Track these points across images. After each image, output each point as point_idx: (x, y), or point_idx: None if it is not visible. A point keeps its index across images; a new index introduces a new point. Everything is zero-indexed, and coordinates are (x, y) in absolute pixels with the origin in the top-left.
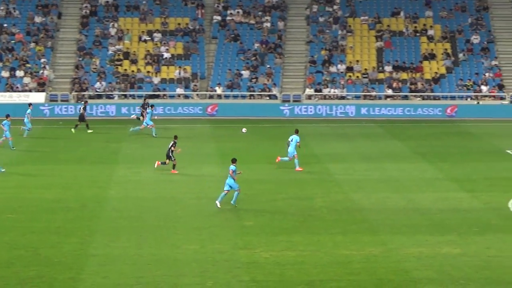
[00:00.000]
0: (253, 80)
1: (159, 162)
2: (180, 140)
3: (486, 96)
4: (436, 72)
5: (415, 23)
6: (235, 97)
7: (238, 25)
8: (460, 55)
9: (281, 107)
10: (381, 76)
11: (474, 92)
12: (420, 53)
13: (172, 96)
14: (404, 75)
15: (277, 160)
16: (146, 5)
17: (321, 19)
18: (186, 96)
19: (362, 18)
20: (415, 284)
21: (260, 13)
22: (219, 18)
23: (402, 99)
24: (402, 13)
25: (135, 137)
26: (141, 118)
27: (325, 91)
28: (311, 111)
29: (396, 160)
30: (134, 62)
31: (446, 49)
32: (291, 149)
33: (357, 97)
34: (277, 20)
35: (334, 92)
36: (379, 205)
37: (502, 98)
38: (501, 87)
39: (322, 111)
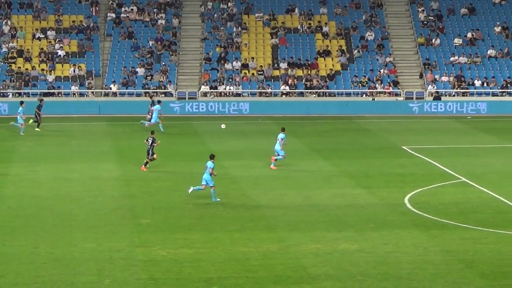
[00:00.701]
0: (148, 77)
1: (144, 167)
2: (75, 138)
3: (381, 92)
4: (331, 69)
5: (310, 20)
6: (130, 94)
7: (133, 23)
8: (355, 51)
9: (172, 105)
10: (276, 73)
11: (369, 89)
12: (315, 50)
13: (67, 94)
14: (299, 72)
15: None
16: (39, 3)
17: (216, 16)
18: (81, 94)
19: (256, 15)
20: (313, 280)
21: (154, 10)
22: (113, 15)
23: (297, 96)
24: (296, 10)
25: (29, 136)
26: (147, 116)
27: (221, 88)
28: (202, 109)
29: (293, 157)
30: (28, 60)
31: (341, 46)
32: (277, 146)
33: (253, 94)
34: (172, 17)
35: (230, 89)
36: (276, 202)
37: (397, 95)
38: (396, 83)
39: (215, 108)
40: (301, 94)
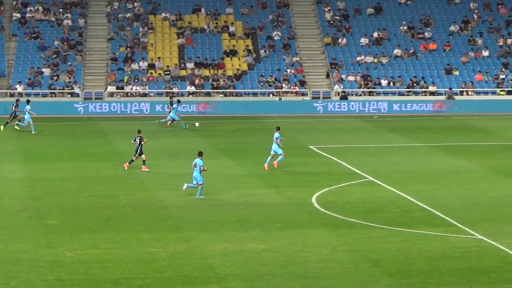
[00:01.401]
0: (54, 78)
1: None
2: None
3: (288, 92)
4: (238, 69)
5: (216, 20)
6: (36, 95)
7: (38, 22)
8: (262, 51)
9: (75, 105)
10: (183, 73)
11: (276, 89)
12: (222, 50)
13: None
14: (206, 72)
15: (275, 166)
16: None
17: (122, 16)
18: None
19: (163, 15)
20: (221, 280)
21: (60, 10)
22: (18, 15)
23: (204, 95)
24: (203, 10)
25: None
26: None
27: (127, 89)
28: (105, 109)
29: None
30: None
31: (247, 46)
32: (274, 146)
33: (160, 94)
34: (78, 17)
35: (136, 89)
36: (184, 202)
37: (303, 94)
38: (302, 83)
39: (117, 109)
40: (208, 94)
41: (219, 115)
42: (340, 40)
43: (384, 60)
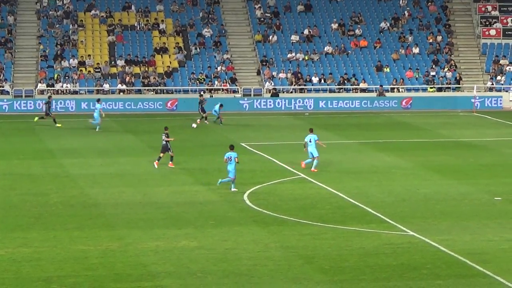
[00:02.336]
0: None
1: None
2: None
3: (219, 89)
4: (168, 66)
5: (146, 17)
6: None
7: None
8: (192, 49)
9: (0, 103)
10: (113, 70)
11: (207, 86)
12: (152, 47)
13: None
14: (136, 69)
15: (303, 166)
16: None
17: (51, 14)
18: None
19: (93, 12)
20: (153, 278)
21: None
22: None
23: (135, 93)
24: (133, 7)
25: None
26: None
27: (58, 86)
28: (31, 107)
29: (131, 154)
30: None
31: (178, 43)
32: (312, 149)
33: (90, 91)
34: (7, 14)
35: (67, 87)
36: (115, 199)
37: (234, 92)
38: (233, 80)
39: (43, 106)
40: (139, 91)
41: (151, 112)
42: (270, 37)
43: (315, 57)
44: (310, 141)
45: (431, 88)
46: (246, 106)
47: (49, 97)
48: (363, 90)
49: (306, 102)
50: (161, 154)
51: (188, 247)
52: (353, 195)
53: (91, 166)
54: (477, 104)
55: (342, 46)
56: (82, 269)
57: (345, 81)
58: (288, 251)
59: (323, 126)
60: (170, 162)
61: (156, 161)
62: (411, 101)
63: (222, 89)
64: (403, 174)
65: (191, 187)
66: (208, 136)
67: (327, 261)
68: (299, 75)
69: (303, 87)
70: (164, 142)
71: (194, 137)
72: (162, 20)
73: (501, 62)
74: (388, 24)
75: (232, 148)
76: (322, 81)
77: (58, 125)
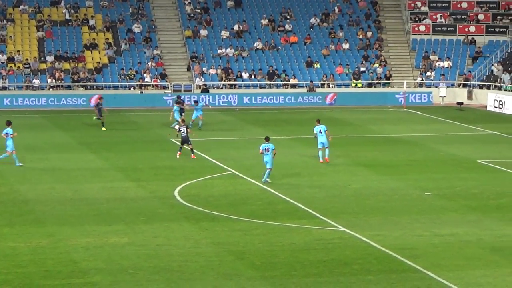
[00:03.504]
0: None
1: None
2: None
3: (149, 85)
4: (98, 62)
5: (76, 13)
6: None
7: None
8: (122, 44)
9: None
10: (43, 66)
11: (138, 82)
12: (82, 43)
13: None
14: (66, 65)
15: (327, 161)
16: None
17: None
18: None
19: (21, 7)
20: (84, 274)
21: None
22: None
23: (65, 89)
24: (62, 3)
25: None
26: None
27: None
28: None
29: (61, 150)
30: None
31: (107, 39)
32: (322, 139)
33: (19, 87)
34: None
35: None
36: (45, 196)
37: (165, 87)
38: (163, 76)
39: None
40: (69, 87)
41: (80, 109)
42: (200, 33)
43: (245, 53)
44: (320, 132)
45: (354, 83)
46: (169, 102)
47: (100, 98)
48: (293, 86)
49: (229, 98)
50: (183, 146)
51: (119, 244)
52: (283, 190)
53: (21, 162)
54: (401, 100)
55: (272, 41)
56: (12, 266)
57: (275, 77)
58: (219, 247)
59: (253, 122)
60: (192, 154)
61: (179, 151)
62: (335, 97)
63: (152, 85)
64: (333, 169)
65: (121, 183)
66: (139, 132)
67: (258, 257)
68: (229, 70)
69: (233, 83)
70: (185, 134)
71: (124, 133)
72: (92, 16)
73: (431, 58)
74: (318, 20)
75: (267, 139)
76: (252, 76)
77: (103, 128)
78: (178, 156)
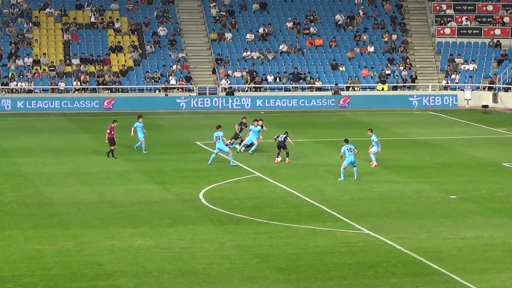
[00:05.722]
0: None
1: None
2: None
3: (174, 88)
4: (123, 65)
5: (101, 16)
6: None
7: None
8: (147, 47)
9: None
10: (68, 69)
11: (163, 84)
12: (107, 46)
13: None
14: (91, 68)
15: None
16: None
17: (6, 12)
18: None
19: (47, 10)
20: (109, 277)
21: None
22: None
23: (90, 92)
24: (88, 6)
25: None
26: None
27: (12, 85)
28: None
29: (86, 153)
30: None
31: (133, 42)
32: (351, 158)
33: (45, 90)
34: None
35: (22, 85)
36: (70, 198)
37: (190, 90)
38: (188, 79)
39: (5, 105)
40: (94, 90)
41: (105, 111)
42: (226, 35)
43: (270, 56)
44: (349, 150)
45: (380, 86)
46: (183, 105)
47: (243, 118)
48: (318, 89)
49: (242, 101)
50: (280, 151)
51: (143, 246)
52: (308, 193)
53: (46, 165)
54: (414, 103)
55: (297, 44)
56: (37, 269)
57: (301, 80)
58: (244, 249)
59: (278, 125)
60: (287, 159)
61: (276, 157)
62: (348, 100)
63: (177, 88)
64: (359, 172)
65: (146, 186)
66: (163, 135)
67: (283, 260)
68: (254, 73)
69: (258, 85)
70: (282, 139)
71: (149, 136)
72: (117, 19)
73: (456, 60)
74: (344, 23)
75: (346, 141)
76: (277, 79)
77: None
78: (276, 161)
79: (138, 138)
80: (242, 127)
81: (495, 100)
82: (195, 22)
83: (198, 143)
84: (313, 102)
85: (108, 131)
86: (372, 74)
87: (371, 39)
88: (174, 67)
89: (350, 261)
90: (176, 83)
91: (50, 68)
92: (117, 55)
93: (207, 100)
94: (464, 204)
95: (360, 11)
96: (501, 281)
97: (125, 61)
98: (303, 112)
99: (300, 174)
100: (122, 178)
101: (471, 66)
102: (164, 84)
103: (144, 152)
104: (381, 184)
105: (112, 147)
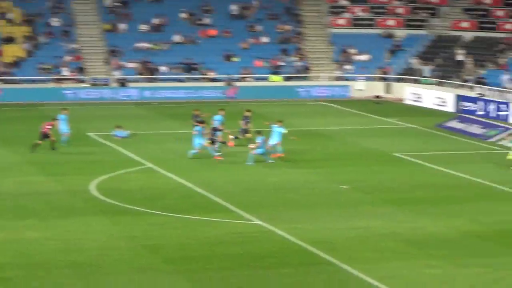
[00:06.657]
0: None
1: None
2: None
3: (67, 79)
4: (16, 56)
5: None
6: None
7: None
8: (41, 38)
9: None
10: None
11: (55, 75)
12: (0, 37)
13: None
14: None
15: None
16: None
17: None
18: None
19: None
20: None
21: None
22: None
23: None
24: None
25: None
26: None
27: None
28: None
29: None
30: None
31: (26, 32)
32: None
33: None
34: None
35: None
36: None
37: (82, 81)
38: (81, 70)
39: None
40: None
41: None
42: (119, 26)
43: (164, 47)
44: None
45: (271, 77)
46: (72, 96)
47: (248, 110)
48: (212, 80)
49: (129, 92)
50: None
51: (32, 238)
52: (201, 184)
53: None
54: (302, 94)
55: (191, 35)
56: None
57: (192, 71)
58: (134, 241)
59: (170, 116)
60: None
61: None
62: (237, 90)
63: (70, 78)
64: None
65: (36, 177)
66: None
67: (174, 251)
68: (148, 64)
69: (151, 76)
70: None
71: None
72: (10, 9)
73: (350, 51)
74: (238, 14)
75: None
76: (171, 70)
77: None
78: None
79: (60, 131)
80: (247, 120)
81: (387, 90)
82: (89, 13)
83: (89, 134)
84: (202, 93)
85: (47, 126)
86: (265, 65)
87: (266, 30)
88: (67, 58)
89: (242, 252)
90: (69, 74)
91: None
92: (9, 46)
93: (96, 92)
94: (356, 194)
95: (254, 1)
96: (390, 270)
97: (18, 52)
98: (193, 103)
99: (192, 165)
100: (10, 169)
101: (364, 57)
102: (57, 75)
103: (63, 145)
104: (274, 175)
105: (40, 142)
